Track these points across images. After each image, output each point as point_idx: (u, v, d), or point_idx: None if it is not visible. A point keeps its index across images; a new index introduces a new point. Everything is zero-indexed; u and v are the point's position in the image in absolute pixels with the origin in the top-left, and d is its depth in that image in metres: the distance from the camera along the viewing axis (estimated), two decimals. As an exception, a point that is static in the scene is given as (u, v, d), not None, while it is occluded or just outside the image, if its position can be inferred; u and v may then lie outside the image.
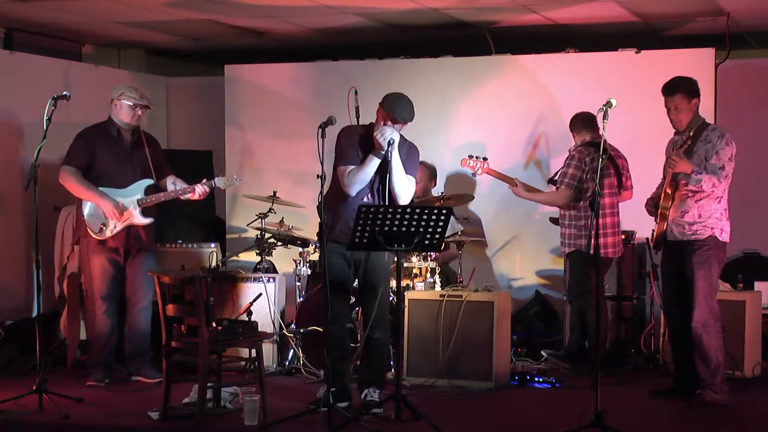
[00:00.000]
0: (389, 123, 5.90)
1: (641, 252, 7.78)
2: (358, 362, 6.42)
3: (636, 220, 7.36)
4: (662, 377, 6.97)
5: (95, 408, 6.14)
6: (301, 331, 7.18)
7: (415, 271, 7.32)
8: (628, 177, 7.44)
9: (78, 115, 8.00)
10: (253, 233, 7.96)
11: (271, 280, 7.37)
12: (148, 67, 10.02)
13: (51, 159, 7.11)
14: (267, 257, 7.71)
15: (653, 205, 6.32)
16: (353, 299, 6.48)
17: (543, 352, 7.53)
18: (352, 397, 6.07)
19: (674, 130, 6.32)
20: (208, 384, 5.75)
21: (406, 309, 6.82)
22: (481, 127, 8.68)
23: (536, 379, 6.90)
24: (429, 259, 7.34)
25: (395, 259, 5.78)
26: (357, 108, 7.39)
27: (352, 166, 5.93)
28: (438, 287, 7.25)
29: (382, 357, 6.16)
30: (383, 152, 5.84)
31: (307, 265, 7.53)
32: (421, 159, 7.98)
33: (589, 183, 7.08)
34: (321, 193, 5.81)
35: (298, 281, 7.57)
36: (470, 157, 7.64)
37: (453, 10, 8.09)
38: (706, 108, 7.19)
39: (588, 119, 7.24)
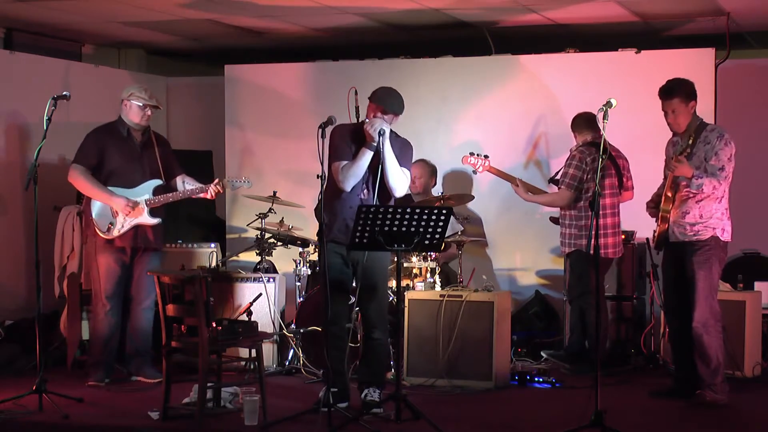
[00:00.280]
0: (379, 114, 5.91)
1: (641, 252, 7.77)
2: (358, 362, 6.41)
3: (636, 220, 7.35)
4: (662, 377, 6.97)
5: (95, 408, 6.14)
6: (301, 331, 7.18)
7: (415, 271, 7.31)
8: (629, 177, 7.44)
9: (78, 115, 8.01)
10: (253, 233, 7.96)
11: (271, 280, 7.37)
12: (148, 67, 10.01)
13: (51, 159, 7.11)
14: (267, 257, 7.70)
15: (654, 207, 6.31)
16: (353, 299, 6.48)
17: (543, 353, 7.52)
18: (350, 397, 6.05)
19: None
20: (208, 384, 5.75)
21: (406, 309, 6.82)
22: (481, 127, 8.67)
23: (536, 379, 6.90)
24: (429, 259, 7.34)
25: (394, 259, 5.77)
26: (357, 108, 7.39)
27: (346, 162, 5.94)
28: (438, 287, 7.25)
29: (382, 357, 6.16)
30: (375, 144, 5.84)
31: (307, 265, 7.53)
32: (421, 158, 8.07)
33: (589, 183, 7.07)
34: (321, 193, 5.82)
35: (298, 281, 7.57)
36: (471, 154, 7.64)
37: (453, 10, 8.09)
38: (706, 108, 7.20)
39: (590, 119, 7.23)
